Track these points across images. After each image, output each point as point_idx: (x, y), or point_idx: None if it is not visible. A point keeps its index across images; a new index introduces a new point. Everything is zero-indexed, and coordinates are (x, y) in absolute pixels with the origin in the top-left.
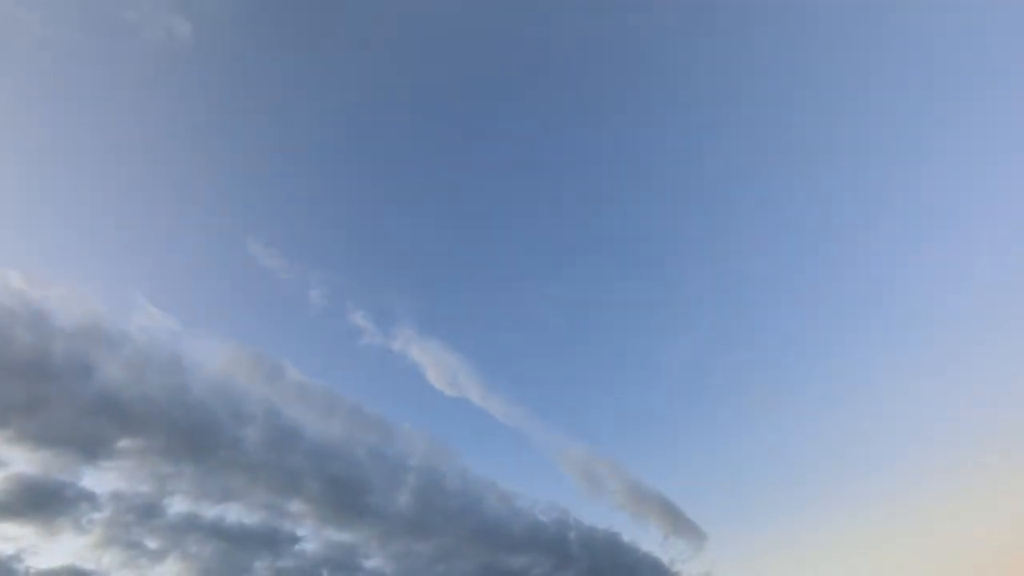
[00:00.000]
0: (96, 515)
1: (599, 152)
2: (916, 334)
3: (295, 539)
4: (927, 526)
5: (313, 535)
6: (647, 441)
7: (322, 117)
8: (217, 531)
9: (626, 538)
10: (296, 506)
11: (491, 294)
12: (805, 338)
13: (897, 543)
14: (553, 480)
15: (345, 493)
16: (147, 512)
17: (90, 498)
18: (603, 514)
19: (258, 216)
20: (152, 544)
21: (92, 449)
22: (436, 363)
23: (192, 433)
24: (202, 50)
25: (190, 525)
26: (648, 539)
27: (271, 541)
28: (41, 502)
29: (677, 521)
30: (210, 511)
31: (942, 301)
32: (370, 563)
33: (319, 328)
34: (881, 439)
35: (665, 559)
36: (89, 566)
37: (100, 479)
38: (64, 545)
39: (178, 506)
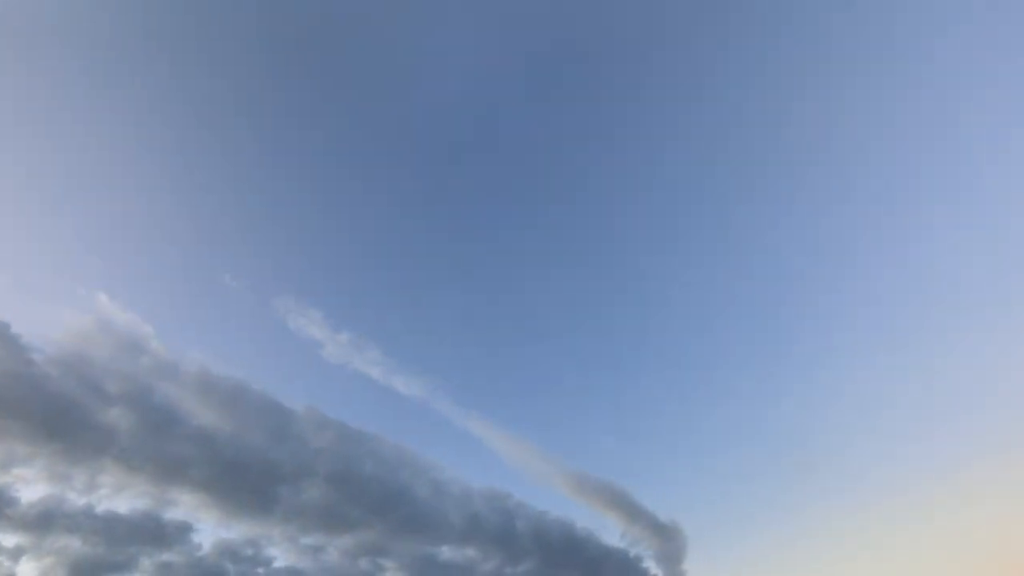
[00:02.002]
0: None
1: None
2: (908, 333)
3: (186, 530)
4: (913, 521)
5: (211, 527)
6: (601, 434)
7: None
8: (88, 522)
9: (580, 531)
10: (185, 495)
11: (376, 268)
12: (797, 336)
13: (874, 542)
14: (494, 471)
15: (242, 480)
16: None
17: None
18: (554, 507)
19: (96, 150)
20: (7, 540)
21: None
22: (329, 338)
23: (41, 413)
24: None
25: (51, 516)
26: (608, 535)
27: (156, 533)
28: None
29: (633, 514)
30: (78, 500)
31: (940, 300)
32: (281, 558)
33: (183, 290)
34: (867, 439)
35: (627, 553)
36: None
37: None
38: None
39: (32, 494)
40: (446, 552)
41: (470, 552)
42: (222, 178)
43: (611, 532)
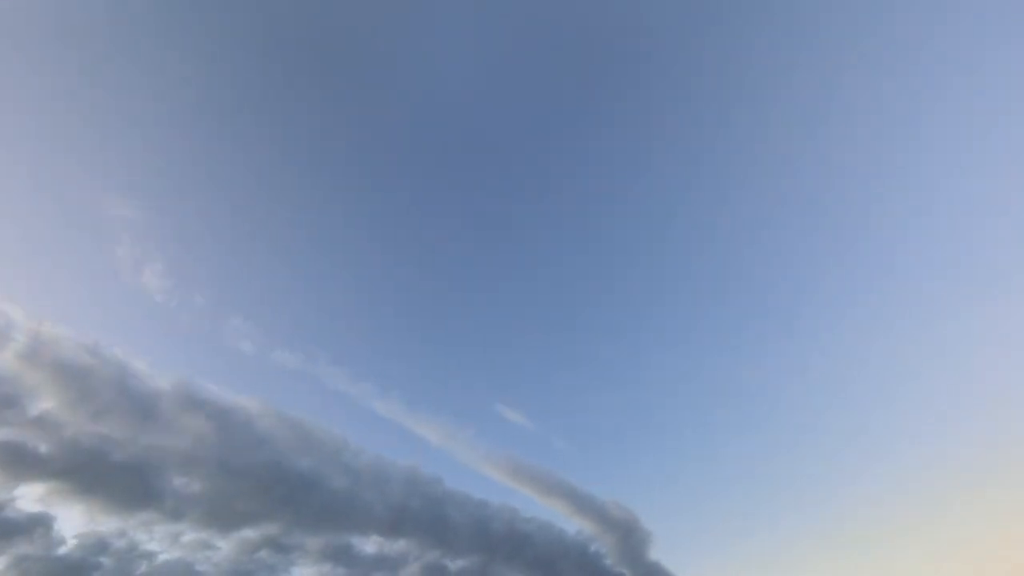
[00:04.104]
0: None
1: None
2: (906, 332)
3: (43, 523)
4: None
5: (81, 521)
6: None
7: None
8: None
9: (529, 524)
10: (39, 485)
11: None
12: (789, 336)
13: (869, 543)
14: (423, 461)
15: (107, 470)
16: None
17: None
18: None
19: None
20: None
21: None
22: (185, 302)
23: None
24: None
25: None
26: (567, 532)
27: (4, 527)
28: None
29: (583, 507)
30: None
31: (938, 300)
32: (167, 553)
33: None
34: (862, 439)
35: (586, 547)
36: None
37: None
38: None
39: None
40: (374, 544)
41: (402, 545)
42: (34, 102)
43: (569, 528)
